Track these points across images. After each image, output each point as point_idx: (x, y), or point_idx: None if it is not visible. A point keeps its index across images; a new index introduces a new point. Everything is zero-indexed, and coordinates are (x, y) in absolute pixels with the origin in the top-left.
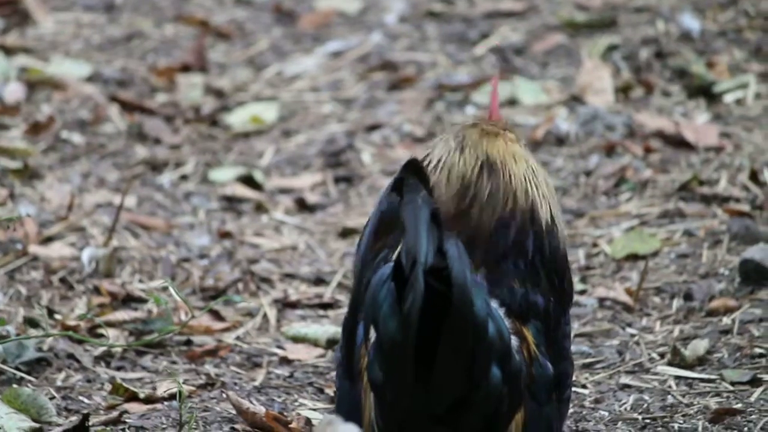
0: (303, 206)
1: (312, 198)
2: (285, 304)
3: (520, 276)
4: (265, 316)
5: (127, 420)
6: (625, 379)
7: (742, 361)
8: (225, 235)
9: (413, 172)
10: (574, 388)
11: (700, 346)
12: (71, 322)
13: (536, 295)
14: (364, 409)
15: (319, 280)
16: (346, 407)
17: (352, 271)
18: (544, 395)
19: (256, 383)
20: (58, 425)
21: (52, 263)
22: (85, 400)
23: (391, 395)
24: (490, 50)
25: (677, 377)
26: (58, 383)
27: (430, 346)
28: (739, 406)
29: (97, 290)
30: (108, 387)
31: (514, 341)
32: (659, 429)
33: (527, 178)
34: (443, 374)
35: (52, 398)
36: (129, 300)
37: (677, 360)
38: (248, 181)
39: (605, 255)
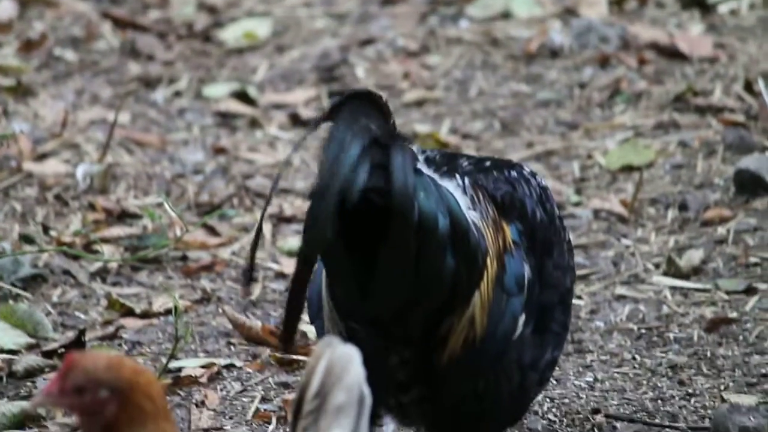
0: (297, 121)
1: (306, 113)
2: (280, 219)
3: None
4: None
5: (123, 335)
6: (620, 290)
7: (737, 271)
8: (219, 150)
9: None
10: None
11: (695, 256)
12: (66, 239)
13: (527, 199)
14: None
15: None
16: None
17: None
18: (513, 287)
19: (252, 298)
20: (55, 341)
21: (47, 180)
22: (81, 316)
23: (340, 305)
24: None
25: (672, 287)
26: (54, 299)
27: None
28: (734, 315)
29: (91, 207)
30: (104, 302)
31: (475, 219)
32: (655, 339)
33: None
34: (386, 284)
35: (48, 314)
36: (124, 216)
37: (672, 270)
38: (242, 96)
39: (600, 167)
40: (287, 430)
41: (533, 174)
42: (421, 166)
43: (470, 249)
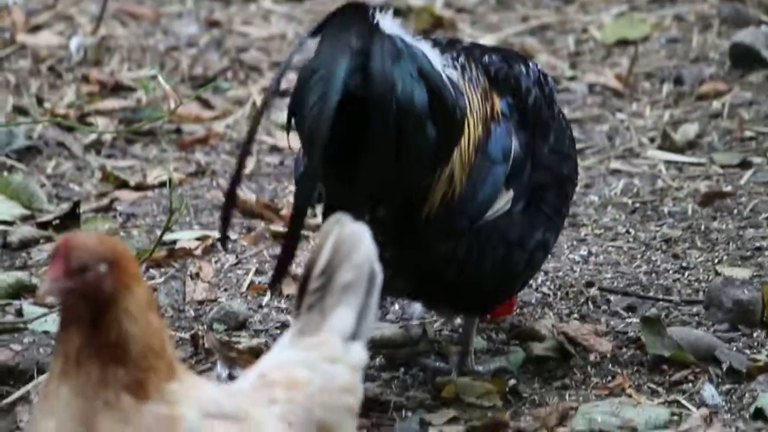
0: None
1: None
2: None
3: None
4: (254, 104)
5: (117, 207)
6: (615, 164)
7: (732, 145)
8: (213, 23)
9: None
10: None
11: (690, 130)
12: (60, 111)
13: (523, 78)
14: None
15: None
16: None
17: None
18: (497, 155)
19: (246, 171)
20: (49, 212)
21: (40, 52)
22: (76, 188)
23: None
24: None
25: (667, 161)
26: (49, 171)
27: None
28: (728, 188)
29: (85, 79)
30: (98, 175)
31: (456, 78)
32: (649, 212)
33: None
34: (370, 170)
35: (42, 186)
36: (118, 89)
37: (667, 144)
38: None
39: (595, 41)
40: (282, 302)
41: (537, 65)
42: (407, 36)
43: (447, 106)
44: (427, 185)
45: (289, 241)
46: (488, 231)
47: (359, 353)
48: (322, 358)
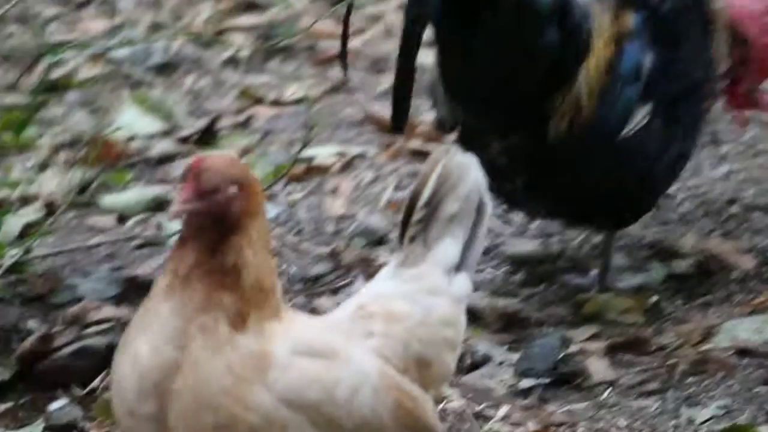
0: None
1: None
2: None
3: None
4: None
5: (254, 123)
6: None
7: None
8: None
9: None
10: None
11: None
12: (197, 27)
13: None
14: None
15: None
16: None
17: None
18: (629, 75)
19: (382, 88)
20: (187, 128)
21: None
22: (213, 104)
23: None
24: None
25: None
26: (186, 87)
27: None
28: None
29: None
30: (235, 91)
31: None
32: None
33: None
34: (489, 56)
35: (180, 102)
36: (253, 5)
37: None
38: None
39: None
40: None
41: None
42: None
43: (571, 24)
44: (555, 106)
45: (403, 72)
46: (625, 147)
47: (463, 285)
48: (423, 290)
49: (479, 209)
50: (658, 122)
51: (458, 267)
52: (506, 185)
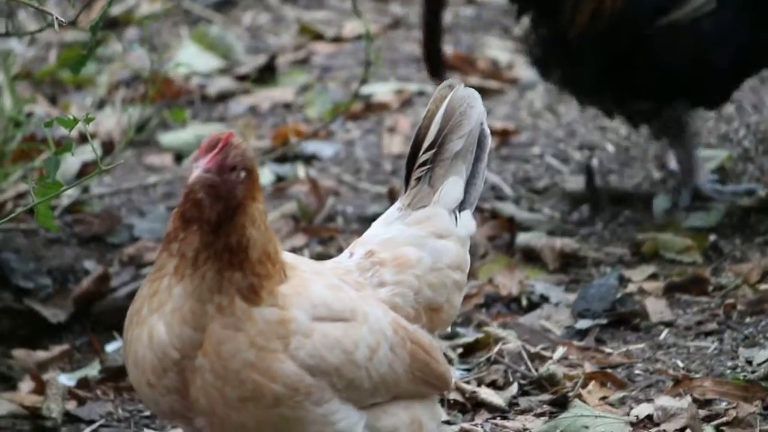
0: None
1: None
2: None
3: None
4: None
5: (313, 60)
6: None
7: None
8: None
9: None
10: None
11: None
12: None
13: None
14: None
15: None
16: None
17: None
18: None
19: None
20: (246, 65)
21: None
22: (272, 40)
23: None
24: None
25: None
26: (245, 23)
27: None
28: None
29: None
30: (294, 27)
31: None
32: None
33: None
34: None
35: (238, 38)
36: None
37: None
38: None
39: None
40: None
41: None
42: None
43: None
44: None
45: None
46: (678, 32)
47: (468, 223)
48: (431, 233)
49: (480, 144)
50: (724, 9)
51: (462, 205)
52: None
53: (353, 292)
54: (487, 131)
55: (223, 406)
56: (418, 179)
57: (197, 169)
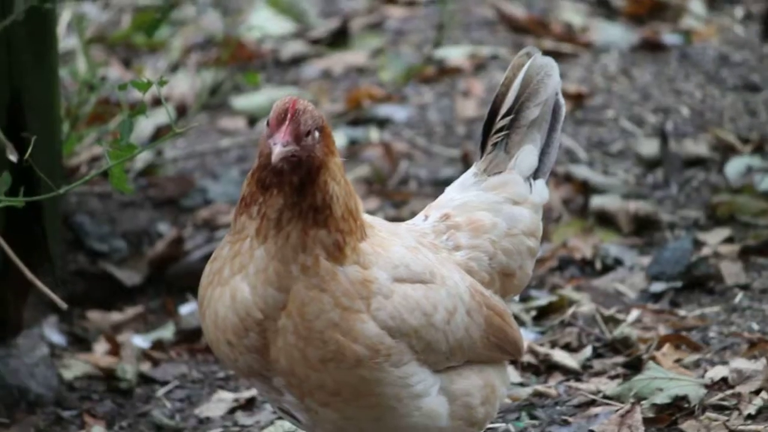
0: None
1: None
2: None
3: None
4: None
5: (386, 23)
6: None
7: None
8: None
9: None
10: None
11: None
12: None
13: None
14: None
15: None
16: None
17: None
18: None
19: None
20: (319, 28)
21: None
22: (345, 4)
23: None
24: None
25: None
26: None
27: None
28: None
29: None
30: None
31: None
32: None
33: None
34: None
35: (312, 2)
36: None
37: None
38: None
39: None
40: None
41: None
42: None
43: None
44: None
45: None
46: None
47: (542, 191)
48: (506, 199)
49: (555, 113)
50: None
51: (536, 173)
52: None
53: (431, 254)
54: (562, 101)
55: (303, 367)
56: (495, 145)
57: (276, 145)
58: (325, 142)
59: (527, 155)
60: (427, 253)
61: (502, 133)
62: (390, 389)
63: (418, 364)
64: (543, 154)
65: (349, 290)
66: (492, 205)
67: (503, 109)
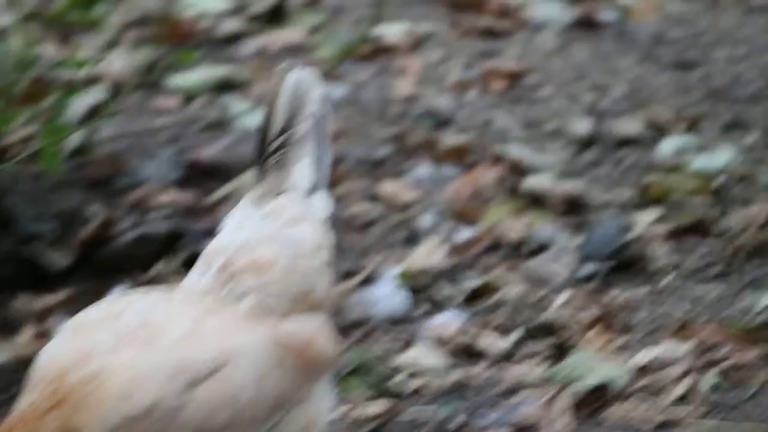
0: None
1: None
2: None
3: None
4: None
5: (323, 1)
6: None
7: None
8: None
9: None
10: None
11: None
12: None
13: None
14: None
15: None
16: None
17: None
18: None
19: None
20: (255, 6)
21: None
22: None
23: None
24: None
25: None
26: None
27: None
28: None
29: None
30: None
31: None
32: None
33: None
34: None
35: None
36: None
37: None
38: None
39: None
40: (488, 99)
41: None
42: None
43: None
44: None
45: None
46: None
47: (324, 203)
48: (286, 224)
49: (322, 121)
50: None
51: (315, 186)
52: None
53: (214, 319)
54: (328, 107)
55: None
56: (270, 169)
57: None
58: None
59: (304, 170)
60: (211, 318)
61: (277, 154)
62: None
63: None
64: (318, 166)
65: None
66: (272, 235)
67: (274, 131)
